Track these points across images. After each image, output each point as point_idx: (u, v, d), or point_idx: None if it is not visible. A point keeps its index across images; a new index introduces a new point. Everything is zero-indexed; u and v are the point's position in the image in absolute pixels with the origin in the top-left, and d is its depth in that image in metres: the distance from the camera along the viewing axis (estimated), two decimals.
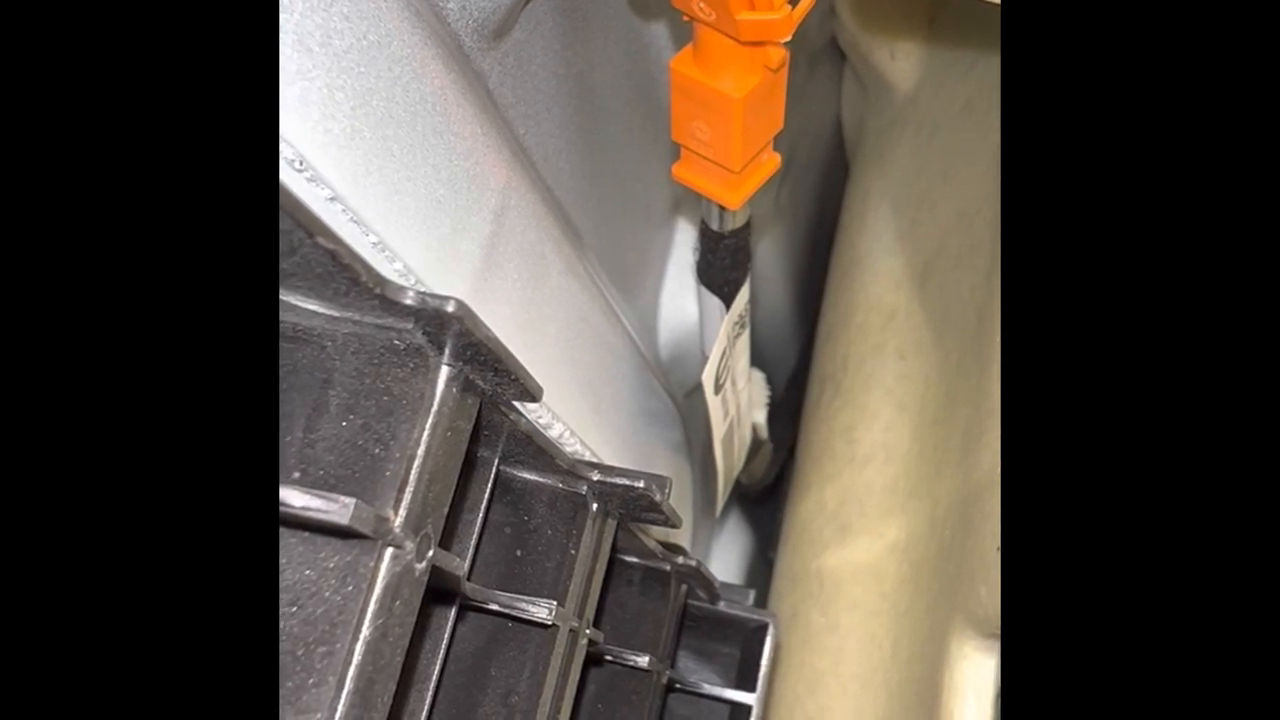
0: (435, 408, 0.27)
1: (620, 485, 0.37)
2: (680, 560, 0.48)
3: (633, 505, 0.39)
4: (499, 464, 0.35)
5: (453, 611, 0.33)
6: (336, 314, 0.26)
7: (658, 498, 0.38)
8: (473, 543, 0.34)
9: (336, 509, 0.23)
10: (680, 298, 0.65)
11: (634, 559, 0.48)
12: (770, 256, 0.77)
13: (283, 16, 0.28)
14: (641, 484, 0.37)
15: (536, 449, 0.36)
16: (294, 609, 0.25)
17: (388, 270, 0.33)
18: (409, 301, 0.25)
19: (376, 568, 0.25)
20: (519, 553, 0.38)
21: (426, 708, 0.32)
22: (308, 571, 0.25)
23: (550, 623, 0.35)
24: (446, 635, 0.33)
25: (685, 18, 0.40)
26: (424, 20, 0.34)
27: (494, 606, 0.34)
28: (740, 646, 0.56)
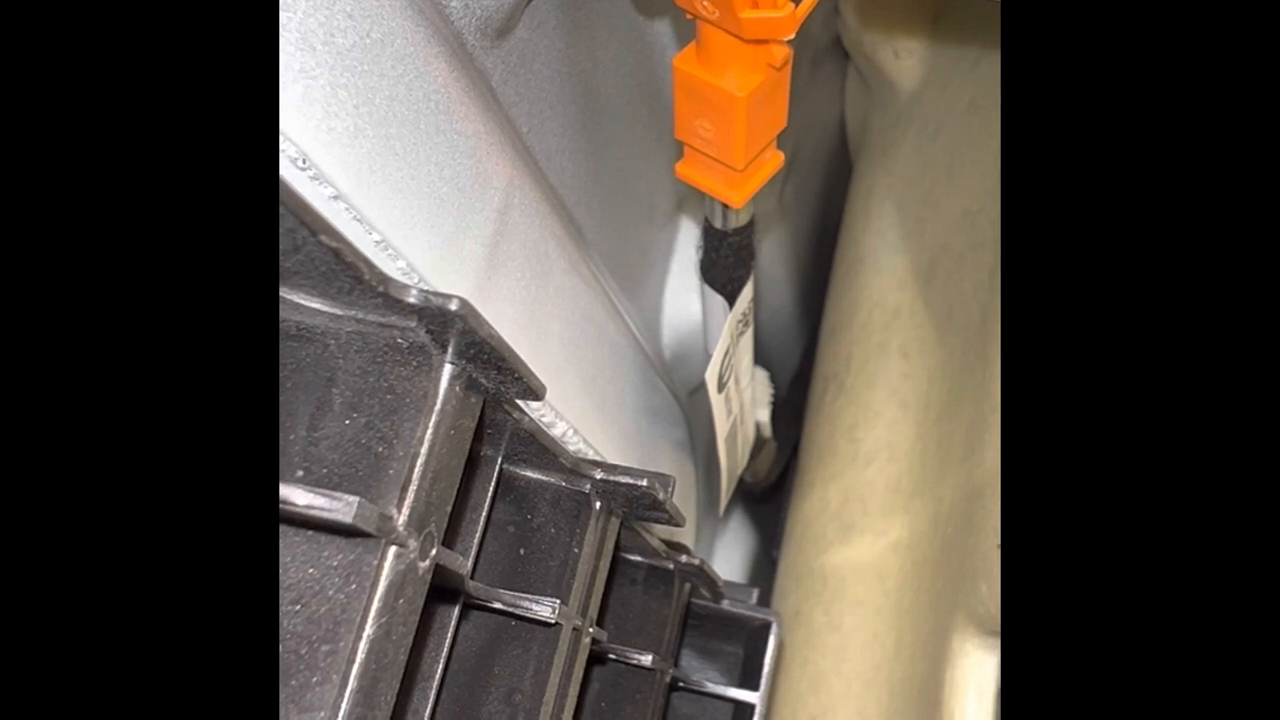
0: (438, 406, 0.27)
1: (624, 484, 0.37)
2: (684, 559, 0.48)
3: (636, 504, 0.39)
4: (502, 462, 0.35)
5: (456, 610, 0.33)
6: (340, 312, 0.26)
7: (661, 496, 0.38)
8: (476, 541, 0.34)
9: (340, 507, 0.23)
10: (683, 296, 0.65)
11: (637, 557, 0.48)
12: (774, 255, 0.77)
13: (286, 15, 0.28)
14: (645, 482, 0.37)
15: (540, 447, 0.36)
16: (297, 607, 0.25)
17: (391, 269, 0.33)
18: (412, 300, 0.25)
19: (380, 566, 0.25)
20: (522, 551, 0.38)
21: (430, 706, 0.32)
22: (311, 570, 0.25)
23: (554, 621, 0.35)
24: (450, 634, 0.33)
25: (688, 16, 0.40)
26: (427, 19, 0.34)
27: (497, 605, 0.34)
28: (744, 645, 0.56)
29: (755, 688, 0.53)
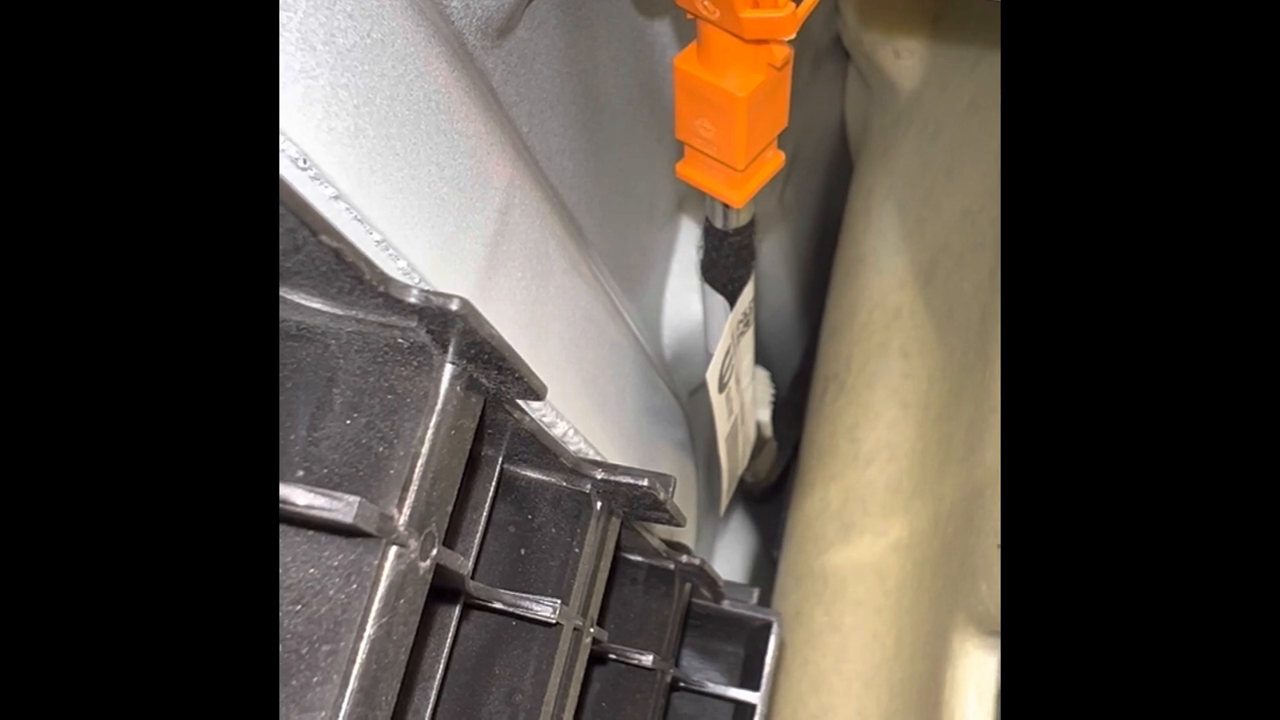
0: (439, 406, 0.27)
1: (624, 484, 0.37)
2: (684, 559, 0.48)
3: (637, 504, 0.39)
4: (503, 462, 0.35)
5: (457, 610, 0.33)
6: (340, 312, 0.26)
7: (662, 496, 0.38)
8: (477, 541, 0.34)
9: (340, 507, 0.23)
10: (684, 296, 0.65)
11: (638, 557, 0.48)
12: (774, 254, 0.77)
13: (286, 15, 0.28)
14: (645, 482, 0.37)
15: (540, 447, 0.36)
16: (298, 607, 0.25)
17: (391, 268, 0.33)
18: (413, 300, 0.25)
19: (380, 566, 0.25)
20: (523, 551, 0.38)
21: (430, 706, 0.32)
22: (312, 570, 0.25)
23: (554, 621, 0.35)
24: (450, 634, 0.33)
25: (689, 15, 0.40)
26: (427, 18, 0.34)
27: (498, 605, 0.34)
28: (744, 645, 0.56)
29: (756, 688, 0.53)
